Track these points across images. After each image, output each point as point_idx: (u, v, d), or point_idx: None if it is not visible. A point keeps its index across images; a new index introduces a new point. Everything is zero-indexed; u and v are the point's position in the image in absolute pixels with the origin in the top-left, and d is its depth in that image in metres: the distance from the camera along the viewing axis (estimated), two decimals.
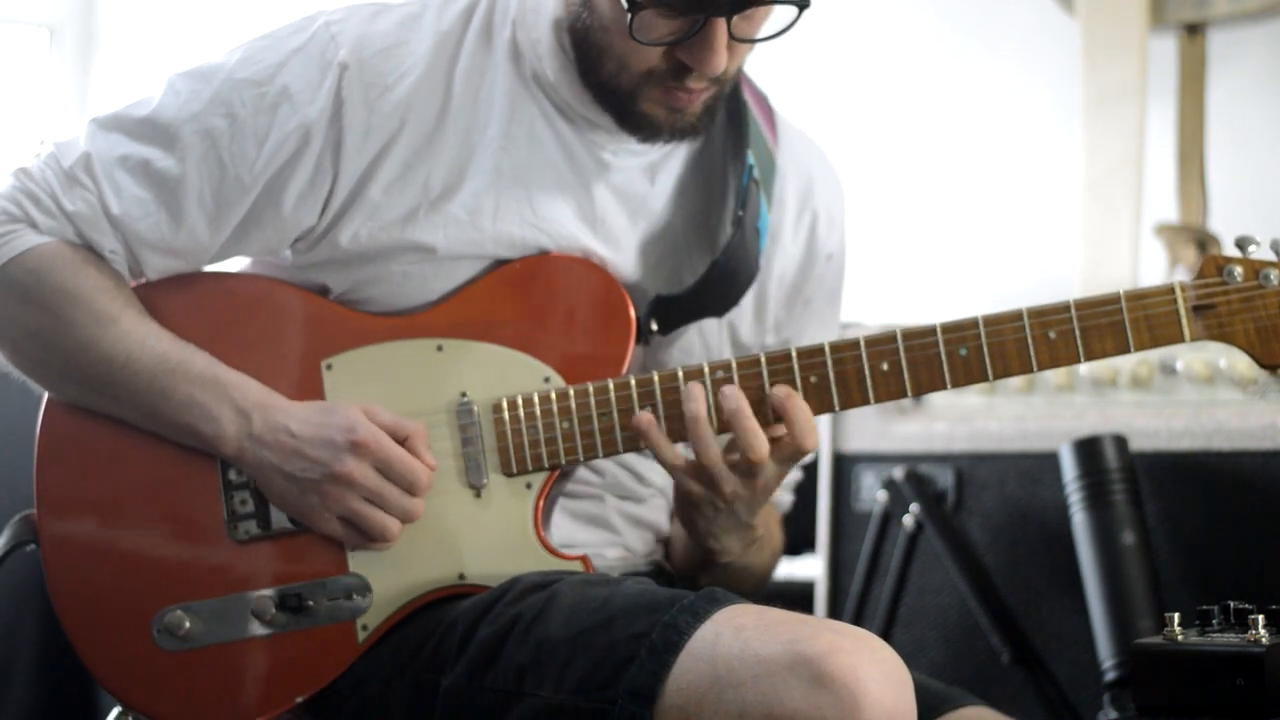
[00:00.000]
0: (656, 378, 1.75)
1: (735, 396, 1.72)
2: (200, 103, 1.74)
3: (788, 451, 1.73)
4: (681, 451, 1.76)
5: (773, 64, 2.30)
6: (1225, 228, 2.85)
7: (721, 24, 1.65)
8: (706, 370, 1.74)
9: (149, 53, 4.49)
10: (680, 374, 1.74)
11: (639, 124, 1.76)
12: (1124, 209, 2.89)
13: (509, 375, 1.77)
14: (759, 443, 1.71)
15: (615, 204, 1.83)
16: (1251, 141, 3.12)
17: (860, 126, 3.50)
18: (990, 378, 1.73)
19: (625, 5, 1.64)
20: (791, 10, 1.68)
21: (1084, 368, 2.35)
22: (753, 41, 1.71)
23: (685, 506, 1.79)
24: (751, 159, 1.87)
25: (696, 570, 1.92)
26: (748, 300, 1.91)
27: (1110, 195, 2.90)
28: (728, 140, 1.90)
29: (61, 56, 4.58)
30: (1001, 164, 3.42)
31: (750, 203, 1.85)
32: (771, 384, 1.74)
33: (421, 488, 1.73)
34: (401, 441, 1.73)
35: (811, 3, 1.68)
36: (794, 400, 1.72)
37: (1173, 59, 3.01)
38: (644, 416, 1.73)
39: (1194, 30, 2.99)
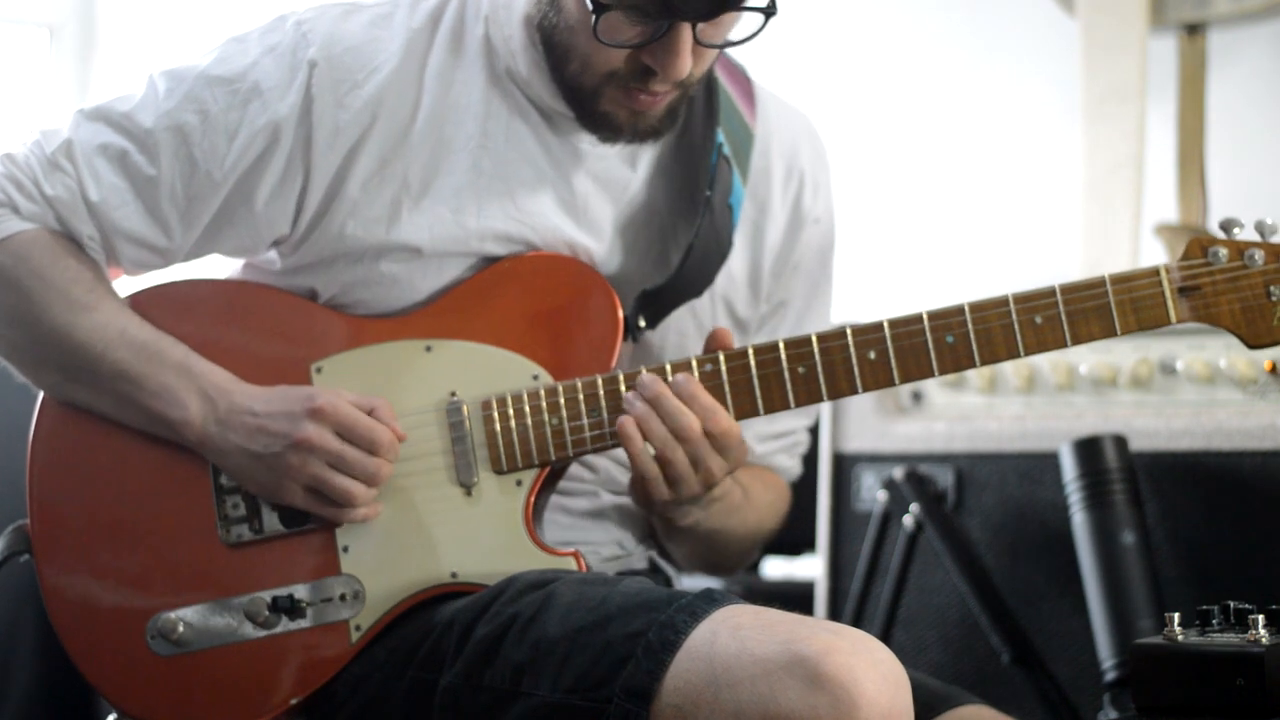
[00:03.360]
0: (644, 372, 1.74)
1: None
2: (174, 100, 1.77)
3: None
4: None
5: (773, 63, 2.29)
6: None
7: (687, 29, 1.65)
8: (694, 364, 1.74)
9: (149, 53, 4.49)
10: (668, 368, 1.74)
11: (599, 124, 1.76)
12: (1124, 209, 2.88)
13: (498, 374, 1.77)
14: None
15: (597, 192, 1.84)
16: (1251, 141, 3.12)
17: (861, 126, 3.50)
18: (977, 364, 1.72)
19: (590, 6, 1.64)
20: (759, 13, 1.66)
21: (1084, 367, 2.34)
22: (718, 47, 1.71)
23: (638, 489, 1.78)
24: (721, 136, 1.87)
25: (665, 539, 1.91)
26: (743, 275, 1.91)
27: (1110, 195, 2.90)
28: (706, 119, 1.90)
29: (61, 56, 4.58)
30: (1002, 163, 3.41)
31: (720, 181, 1.85)
32: (760, 374, 1.73)
33: (382, 447, 1.72)
34: (368, 413, 1.73)
35: (779, 10, 1.66)
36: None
37: (1173, 59, 3.01)
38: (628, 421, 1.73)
39: (1194, 30, 2.99)
